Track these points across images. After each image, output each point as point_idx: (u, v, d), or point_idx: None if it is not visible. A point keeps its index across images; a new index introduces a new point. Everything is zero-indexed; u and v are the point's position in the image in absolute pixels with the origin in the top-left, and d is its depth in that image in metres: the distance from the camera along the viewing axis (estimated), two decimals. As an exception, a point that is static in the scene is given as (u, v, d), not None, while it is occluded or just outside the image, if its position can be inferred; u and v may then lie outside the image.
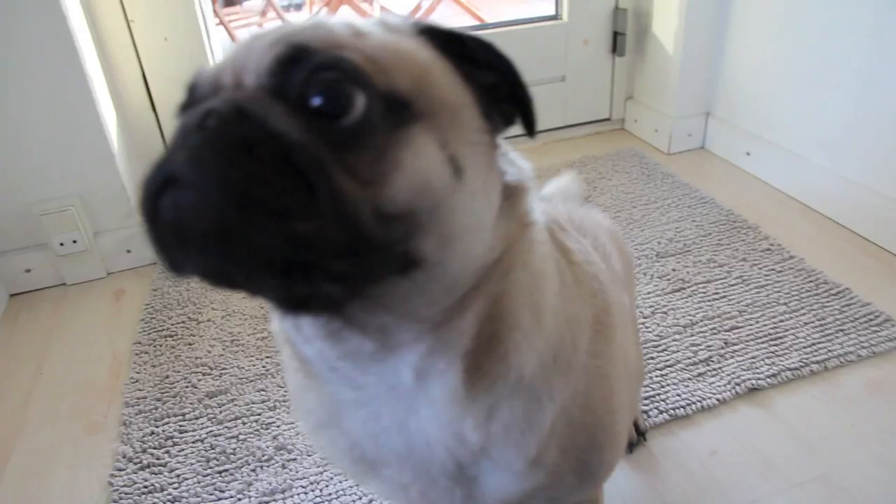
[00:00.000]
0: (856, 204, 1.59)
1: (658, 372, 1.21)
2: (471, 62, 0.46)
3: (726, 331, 1.29)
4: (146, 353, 1.38)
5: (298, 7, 4.67)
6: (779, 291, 1.39)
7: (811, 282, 1.41)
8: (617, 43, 2.13)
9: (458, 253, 0.44)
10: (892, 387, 1.15)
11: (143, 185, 0.38)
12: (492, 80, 0.47)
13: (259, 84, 0.40)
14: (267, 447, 1.12)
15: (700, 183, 1.88)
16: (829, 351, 1.22)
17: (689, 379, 1.19)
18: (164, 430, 1.17)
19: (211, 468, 1.09)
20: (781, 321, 1.31)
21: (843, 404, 1.12)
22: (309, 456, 1.10)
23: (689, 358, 1.23)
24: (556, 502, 0.61)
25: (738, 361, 1.21)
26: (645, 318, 1.35)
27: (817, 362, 1.20)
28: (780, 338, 1.26)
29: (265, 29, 0.45)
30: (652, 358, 1.24)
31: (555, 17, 2.10)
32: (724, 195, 1.80)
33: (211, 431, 1.16)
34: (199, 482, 1.07)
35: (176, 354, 1.36)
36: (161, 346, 1.39)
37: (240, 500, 1.03)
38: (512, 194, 0.49)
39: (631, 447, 1.07)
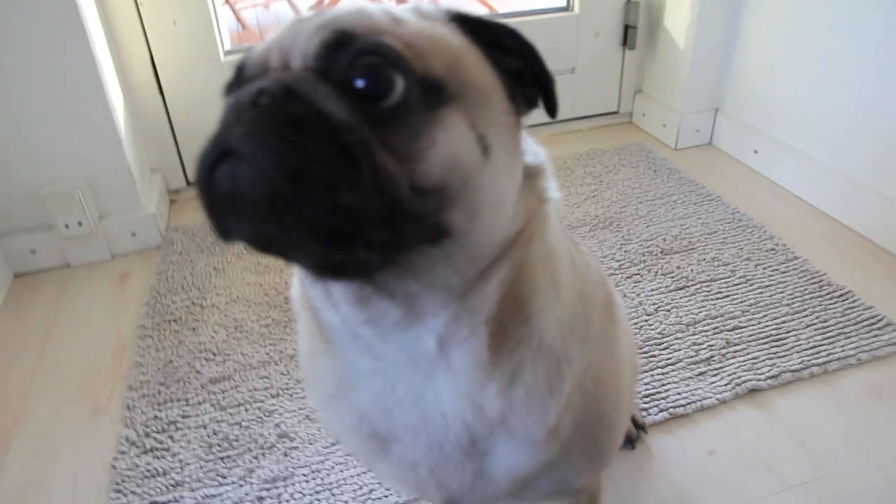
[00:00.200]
0: (862, 206, 1.59)
1: (660, 370, 1.21)
2: (498, 48, 0.49)
3: (728, 330, 1.30)
4: (150, 336, 1.39)
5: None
6: (782, 292, 1.39)
7: (815, 283, 1.41)
8: (628, 36, 2.11)
9: (484, 224, 0.46)
10: (892, 391, 1.15)
11: (201, 157, 0.41)
12: (517, 65, 0.50)
13: (306, 66, 0.43)
14: (269, 434, 1.13)
15: (707, 180, 1.87)
16: (830, 354, 1.22)
17: (690, 378, 1.19)
18: (167, 415, 1.18)
19: (213, 454, 1.10)
20: (784, 322, 1.31)
21: (842, 407, 1.13)
22: (311, 444, 1.11)
23: (690, 357, 1.24)
24: (561, 486, 0.62)
25: (739, 361, 1.22)
26: (648, 315, 1.35)
27: (818, 365, 1.20)
28: (782, 339, 1.27)
29: (309, 13, 0.47)
30: (654, 356, 1.25)
31: (566, 9, 2.08)
32: (730, 193, 1.80)
33: (214, 417, 1.17)
34: (201, 467, 1.08)
35: (180, 339, 1.37)
36: (165, 330, 1.40)
37: (241, 486, 1.04)
38: (531, 173, 0.52)
39: (632, 442, 1.08)
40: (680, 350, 1.26)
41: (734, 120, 2.01)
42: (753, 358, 1.23)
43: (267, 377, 1.25)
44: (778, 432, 1.09)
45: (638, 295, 1.42)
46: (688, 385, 1.17)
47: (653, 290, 1.43)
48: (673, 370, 1.21)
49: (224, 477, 1.06)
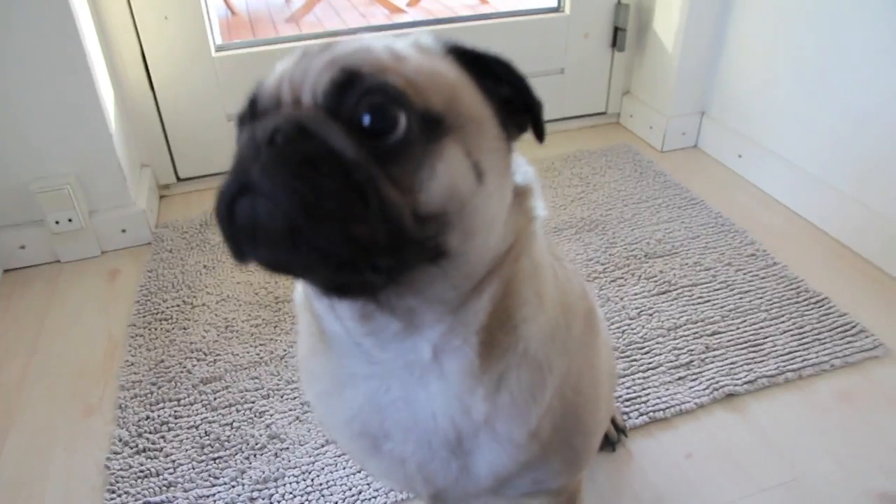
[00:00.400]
0: (841, 213, 1.63)
1: (641, 374, 1.25)
2: (491, 77, 0.52)
3: (708, 335, 1.34)
4: (141, 335, 1.40)
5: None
6: (761, 298, 1.43)
7: (793, 289, 1.46)
8: (617, 38, 2.13)
9: (478, 244, 0.50)
10: (862, 396, 1.20)
11: (221, 191, 0.44)
12: (508, 93, 0.53)
13: (316, 103, 0.46)
14: (260, 435, 1.15)
15: (691, 183, 1.91)
16: (805, 360, 1.27)
17: (670, 382, 1.23)
18: (159, 415, 1.20)
19: (205, 455, 1.12)
20: (762, 328, 1.35)
21: (815, 412, 1.17)
22: (301, 446, 1.13)
23: (671, 361, 1.28)
24: (539, 486, 0.66)
25: (717, 367, 1.26)
26: (631, 319, 1.39)
27: (793, 370, 1.24)
28: (760, 344, 1.31)
29: (313, 45, 0.50)
30: (636, 360, 1.28)
31: (557, 10, 2.10)
32: (713, 197, 1.84)
33: (205, 418, 1.19)
34: (193, 468, 1.10)
35: (171, 339, 1.39)
36: (156, 329, 1.42)
37: (233, 486, 1.07)
38: (520, 192, 0.55)
39: (613, 444, 1.12)
40: (661, 354, 1.29)
41: (719, 124, 2.04)
42: (731, 363, 1.27)
43: (257, 378, 1.28)
44: (753, 436, 1.14)
45: (622, 299, 1.45)
46: (668, 389, 1.21)
47: (636, 295, 1.46)
48: (654, 374, 1.25)
49: (216, 478, 1.08)
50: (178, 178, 1.97)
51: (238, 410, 1.21)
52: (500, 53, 0.52)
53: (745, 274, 1.52)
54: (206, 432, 1.16)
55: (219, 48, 1.87)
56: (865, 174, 1.57)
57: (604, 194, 1.86)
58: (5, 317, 1.50)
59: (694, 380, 1.23)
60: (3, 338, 1.43)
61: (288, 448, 1.13)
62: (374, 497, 1.04)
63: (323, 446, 1.13)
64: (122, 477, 1.09)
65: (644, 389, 1.22)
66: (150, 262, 1.64)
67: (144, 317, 1.45)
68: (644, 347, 1.31)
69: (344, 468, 1.09)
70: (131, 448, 1.14)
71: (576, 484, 0.79)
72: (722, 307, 1.41)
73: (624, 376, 1.25)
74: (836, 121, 1.63)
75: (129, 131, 1.81)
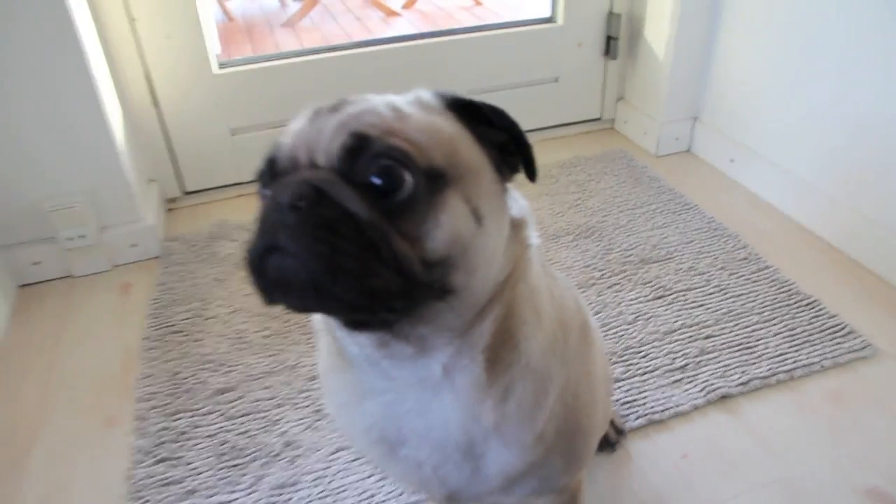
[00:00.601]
0: (832, 217, 1.69)
1: (638, 378, 1.30)
2: (486, 123, 0.58)
3: (703, 339, 1.39)
4: (155, 348, 1.45)
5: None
6: (753, 301, 1.49)
7: (784, 292, 1.51)
8: (610, 46, 2.18)
9: (479, 278, 0.56)
10: (851, 397, 1.25)
11: (251, 248, 0.50)
12: (502, 139, 0.59)
13: (331, 166, 0.51)
14: (275, 443, 1.21)
15: (685, 187, 1.96)
16: (796, 361, 1.32)
17: (667, 385, 1.28)
18: (177, 425, 1.25)
19: (224, 462, 1.18)
20: (754, 331, 1.40)
21: (805, 412, 1.23)
22: (315, 452, 1.19)
23: (667, 365, 1.33)
24: (545, 483, 0.72)
25: (712, 369, 1.31)
26: (628, 324, 1.44)
27: (784, 371, 1.30)
28: (752, 347, 1.36)
29: (323, 105, 0.55)
30: (633, 364, 1.34)
31: (550, 20, 2.15)
32: (707, 201, 1.89)
33: (222, 427, 1.24)
34: (213, 475, 1.15)
35: (184, 351, 1.44)
36: (170, 341, 1.47)
37: (252, 492, 1.12)
38: (516, 224, 0.62)
39: (612, 446, 1.17)
40: (657, 358, 1.35)
41: (712, 129, 2.10)
42: (725, 365, 1.32)
43: (270, 387, 1.33)
44: (746, 436, 1.19)
45: (619, 304, 1.51)
46: (664, 392, 1.27)
47: (632, 300, 1.52)
48: (651, 378, 1.30)
49: (236, 484, 1.14)
50: (184, 192, 2.02)
51: (253, 419, 1.26)
52: (494, 104, 0.58)
53: (737, 278, 1.57)
54: (223, 441, 1.22)
55: (221, 65, 1.92)
56: (856, 178, 1.62)
57: (600, 200, 1.92)
58: (24, 330, 1.54)
59: (689, 382, 1.29)
60: (23, 351, 1.48)
61: (302, 455, 1.18)
62: (386, 501, 1.10)
63: (336, 452, 1.18)
64: (146, 485, 1.14)
65: (641, 393, 1.27)
66: (161, 276, 1.69)
67: (158, 329, 1.50)
68: (641, 351, 1.37)
69: (357, 473, 1.14)
70: (153, 457, 1.19)
71: (576, 483, 0.85)
72: (716, 311, 1.47)
73: (622, 380, 1.30)
74: (826, 126, 1.68)
75: (136, 148, 1.85)
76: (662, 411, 1.23)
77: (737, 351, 1.36)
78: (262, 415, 1.27)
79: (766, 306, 1.47)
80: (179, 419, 1.27)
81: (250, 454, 1.19)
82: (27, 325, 1.56)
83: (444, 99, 0.58)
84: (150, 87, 1.84)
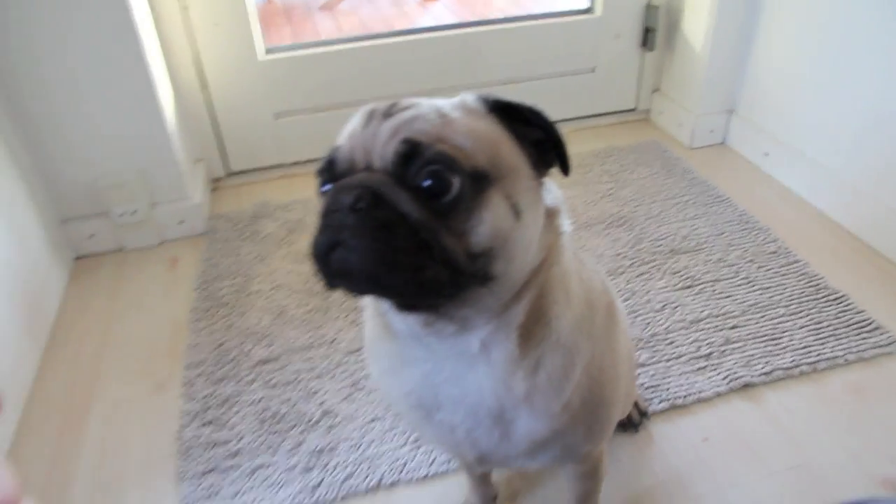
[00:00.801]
0: (862, 212, 1.69)
1: (664, 363, 1.34)
2: (524, 122, 0.64)
3: (728, 329, 1.42)
4: (202, 320, 1.54)
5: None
6: (780, 294, 1.51)
7: (812, 286, 1.53)
8: (647, 38, 2.19)
9: (517, 265, 0.62)
10: (873, 390, 1.27)
11: (316, 244, 0.57)
12: (539, 136, 0.64)
13: (385, 169, 0.57)
14: (314, 412, 1.28)
15: (718, 180, 1.98)
16: (821, 354, 1.34)
17: (691, 372, 1.32)
18: (222, 392, 1.34)
19: (265, 428, 1.25)
20: (780, 323, 1.43)
21: (826, 404, 1.25)
22: (351, 421, 1.26)
23: (692, 353, 1.36)
24: (568, 450, 0.78)
25: (736, 358, 1.35)
26: (655, 312, 1.48)
27: (808, 363, 1.32)
28: (777, 338, 1.39)
29: (378, 107, 0.60)
30: (659, 350, 1.38)
31: (588, 11, 2.16)
32: (739, 194, 1.90)
33: (264, 395, 1.32)
34: (255, 439, 1.23)
35: (229, 323, 1.52)
36: (215, 314, 1.55)
37: (292, 456, 1.20)
38: (550, 213, 0.67)
39: (636, 426, 1.22)
40: (683, 346, 1.38)
41: (747, 122, 2.10)
42: (750, 355, 1.35)
43: (310, 359, 1.40)
44: (766, 424, 1.22)
45: (647, 292, 1.54)
46: (688, 379, 1.31)
47: (661, 289, 1.55)
48: (675, 364, 1.34)
49: (277, 448, 1.21)
50: (229, 173, 2.11)
51: (294, 389, 1.33)
52: (532, 105, 0.63)
53: (766, 270, 1.59)
54: (265, 408, 1.29)
55: (267, 51, 1.99)
56: (888, 173, 1.62)
57: (632, 191, 1.94)
58: (80, 299, 1.65)
59: (713, 370, 1.32)
60: (81, 318, 1.58)
61: (339, 423, 1.25)
62: (418, 468, 1.16)
63: (371, 422, 1.25)
64: (193, 445, 1.23)
65: (666, 378, 1.31)
66: (207, 252, 1.78)
67: (204, 302, 1.59)
68: (667, 339, 1.40)
69: (390, 442, 1.21)
70: (200, 420, 1.28)
71: (598, 454, 0.91)
72: (743, 302, 1.49)
73: (647, 365, 1.34)
74: (860, 120, 1.68)
75: (185, 129, 1.94)
76: (685, 396, 1.27)
77: (761, 342, 1.38)
78: (302, 384, 1.34)
79: (793, 299, 1.50)
80: (225, 386, 1.35)
81: (291, 421, 1.27)
82: (83, 295, 1.67)
83: (486, 102, 0.63)
84: (199, 72, 1.92)
